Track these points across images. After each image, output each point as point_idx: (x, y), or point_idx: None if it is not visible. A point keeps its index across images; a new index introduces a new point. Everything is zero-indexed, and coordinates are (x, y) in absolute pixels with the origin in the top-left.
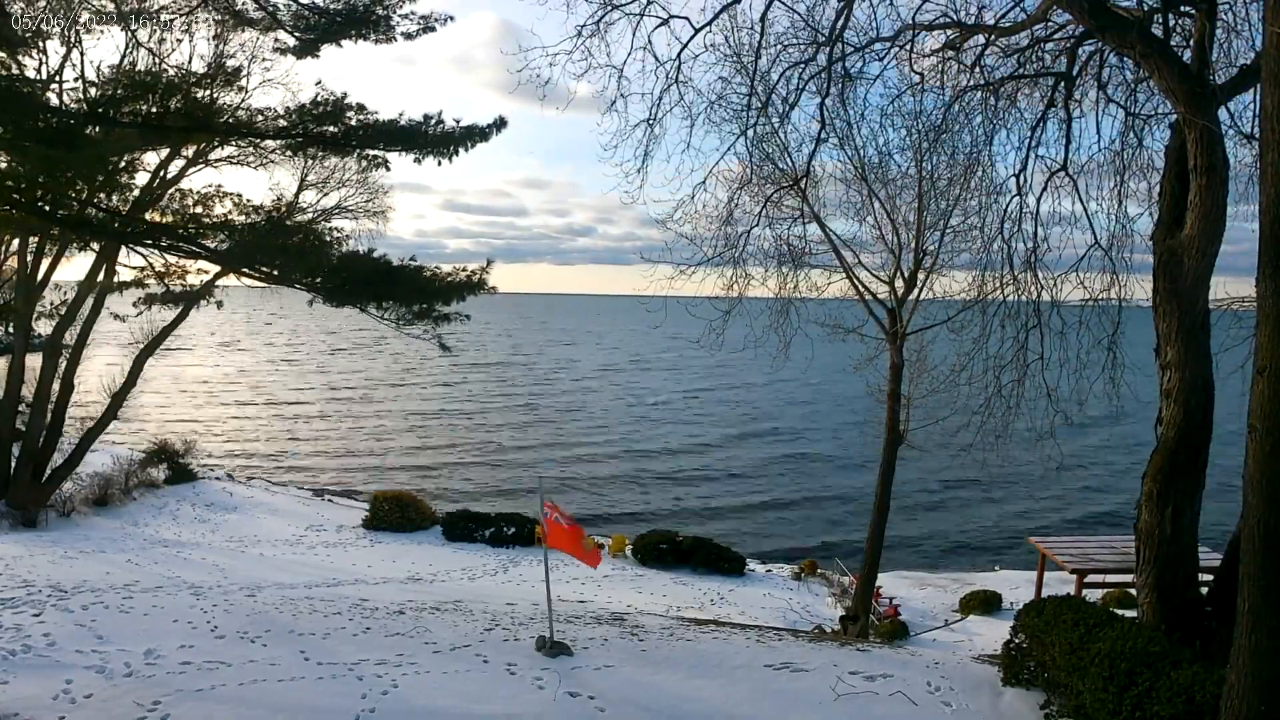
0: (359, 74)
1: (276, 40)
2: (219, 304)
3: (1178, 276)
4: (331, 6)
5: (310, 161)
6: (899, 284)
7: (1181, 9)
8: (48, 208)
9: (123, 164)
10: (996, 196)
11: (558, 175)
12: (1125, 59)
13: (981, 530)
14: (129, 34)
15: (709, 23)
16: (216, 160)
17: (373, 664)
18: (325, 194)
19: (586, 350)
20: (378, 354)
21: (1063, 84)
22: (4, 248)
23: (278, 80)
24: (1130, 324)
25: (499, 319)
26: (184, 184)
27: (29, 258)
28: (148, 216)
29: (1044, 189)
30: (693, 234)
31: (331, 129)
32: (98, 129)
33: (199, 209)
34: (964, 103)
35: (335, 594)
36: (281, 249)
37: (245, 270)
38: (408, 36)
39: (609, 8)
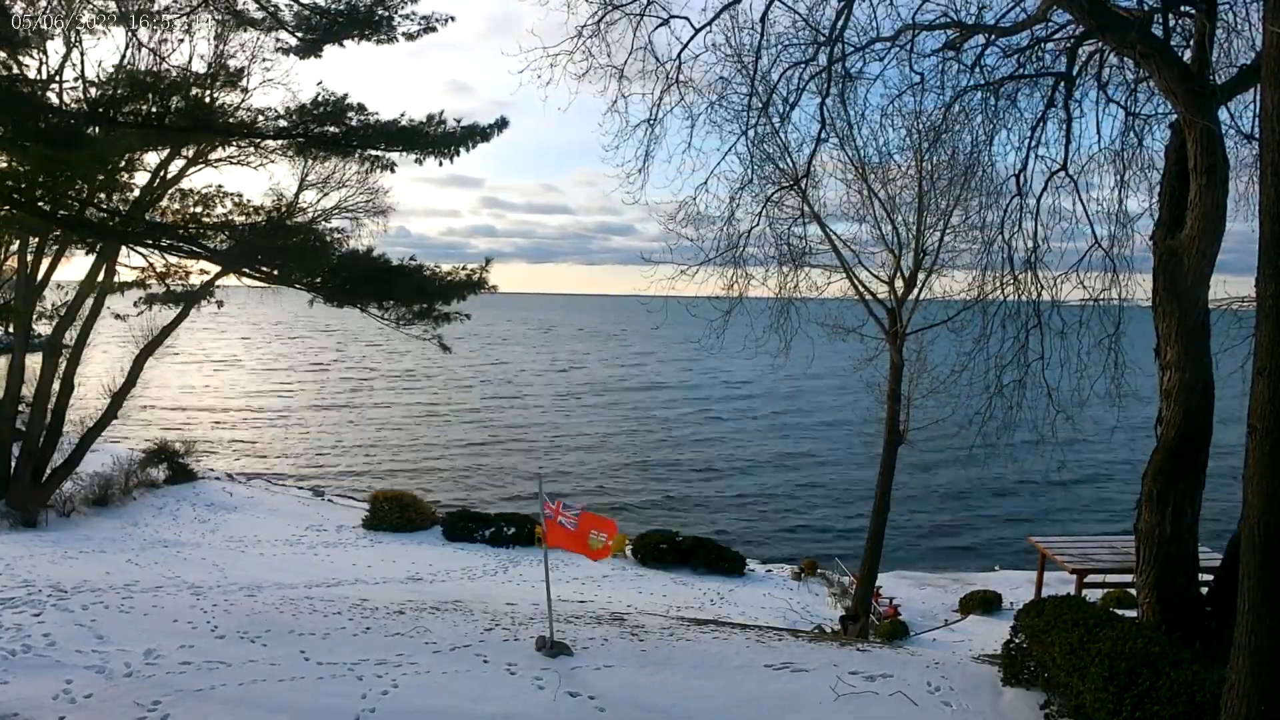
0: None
1: (278, 40)
2: (219, 304)
3: (1178, 276)
4: (333, 7)
5: (311, 162)
6: (899, 284)
7: (1181, 9)
8: (48, 208)
9: (123, 164)
10: (996, 196)
11: (612, 169)
12: (1125, 59)
13: (981, 530)
14: (130, 34)
15: (709, 23)
16: (217, 160)
17: (373, 664)
18: (325, 194)
19: (590, 351)
20: (378, 353)
21: (1063, 84)
22: (4, 248)
23: (278, 80)
24: (1130, 324)
25: (512, 319)
26: (184, 184)
27: (29, 258)
28: (148, 216)
29: (1044, 189)
30: (694, 234)
31: (332, 129)
32: (98, 129)
33: (199, 209)
34: (964, 103)
35: (335, 594)
36: (281, 249)
37: (245, 270)
38: (409, 37)
39: (609, 8)
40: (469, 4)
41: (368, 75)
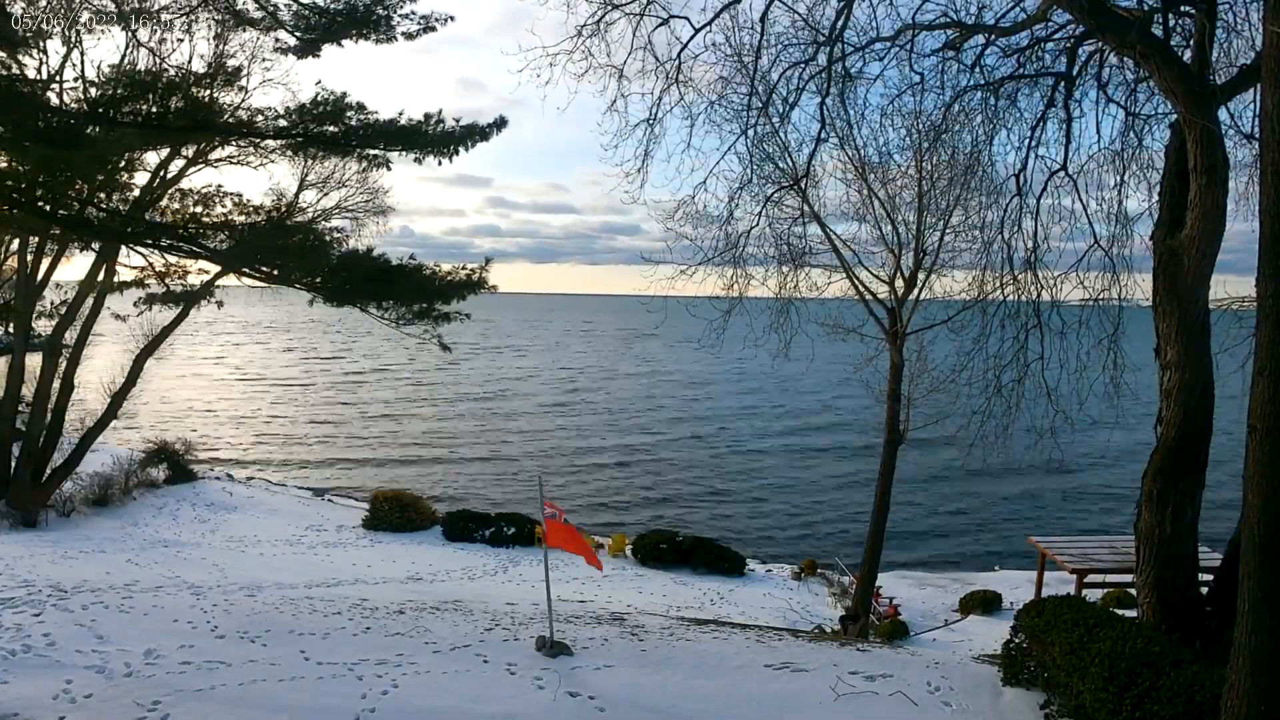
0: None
1: (277, 40)
2: (219, 304)
3: (1178, 276)
4: (332, 6)
5: (310, 161)
6: (899, 284)
7: (1181, 9)
8: (48, 208)
9: (123, 164)
10: (996, 196)
11: (612, 169)
12: (1125, 59)
13: (981, 530)
14: (129, 34)
15: (709, 23)
16: (216, 160)
17: (373, 664)
18: (325, 194)
19: (588, 351)
20: (377, 353)
21: (1063, 84)
22: (4, 248)
23: (278, 80)
24: (1130, 324)
25: (518, 319)
26: (184, 184)
27: (29, 258)
28: (148, 216)
29: (1044, 189)
30: (693, 234)
31: (331, 129)
32: (98, 129)
33: (199, 209)
34: (964, 103)
35: (335, 594)
36: (281, 249)
37: (245, 270)
38: (408, 36)
39: (609, 7)
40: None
41: (378, 73)
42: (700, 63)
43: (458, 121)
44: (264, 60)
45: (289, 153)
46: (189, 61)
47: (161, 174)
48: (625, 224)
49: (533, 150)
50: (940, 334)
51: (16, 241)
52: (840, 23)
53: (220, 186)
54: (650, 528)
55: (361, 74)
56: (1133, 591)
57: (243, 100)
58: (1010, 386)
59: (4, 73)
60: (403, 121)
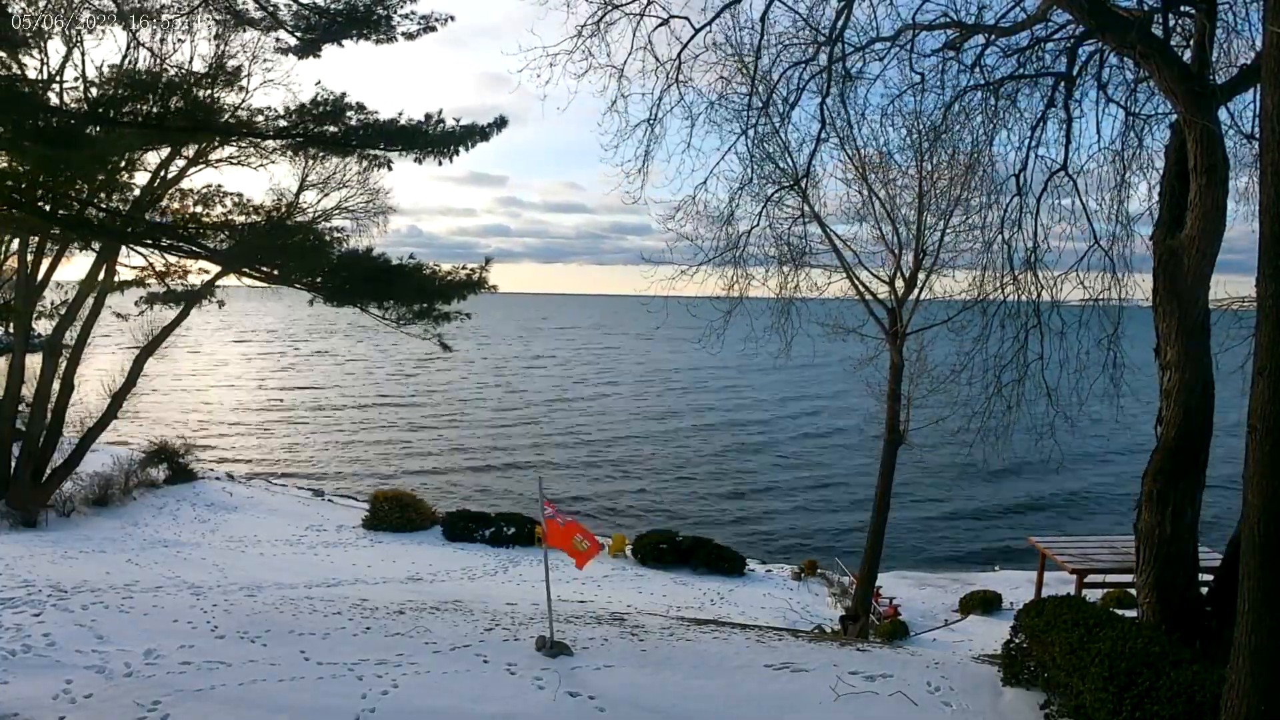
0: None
1: (278, 40)
2: (220, 304)
3: (1178, 276)
4: (332, 6)
5: (311, 161)
6: (899, 284)
7: (1181, 9)
8: (48, 208)
9: (123, 164)
10: (996, 196)
11: (613, 168)
12: (1125, 59)
13: (981, 530)
14: (130, 34)
15: (709, 22)
16: (217, 160)
17: (373, 664)
18: (326, 194)
19: (589, 351)
20: (376, 353)
21: (1063, 84)
22: (4, 248)
23: (278, 80)
24: (1131, 324)
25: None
26: (184, 184)
27: (29, 258)
28: (148, 216)
29: (1044, 189)
30: (694, 234)
31: (332, 129)
32: (98, 129)
33: (199, 209)
34: (964, 103)
35: (335, 594)
36: (282, 249)
37: (245, 270)
38: (408, 36)
39: (609, 7)
40: None
41: (400, 69)
42: (700, 63)
43: (458, 121)
44: (264, 60)
45: (289, 153)
46: (189, 62)
47: (161, 174)
48: (636, 224)
49: (548, 148)
50: (940, 334)
51: (16, 241)
52: (840, 23)
53: (220, 186)
54: (650, 528)
55: (380, 70)
56: (1133, 591)
57: (243, 100)
58: (1010, 386)
59: (4, 73)
60: (403, 121)
